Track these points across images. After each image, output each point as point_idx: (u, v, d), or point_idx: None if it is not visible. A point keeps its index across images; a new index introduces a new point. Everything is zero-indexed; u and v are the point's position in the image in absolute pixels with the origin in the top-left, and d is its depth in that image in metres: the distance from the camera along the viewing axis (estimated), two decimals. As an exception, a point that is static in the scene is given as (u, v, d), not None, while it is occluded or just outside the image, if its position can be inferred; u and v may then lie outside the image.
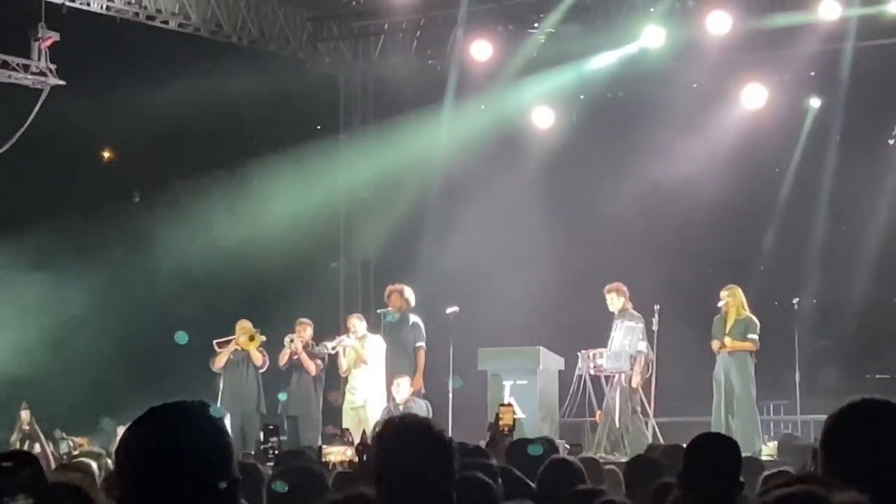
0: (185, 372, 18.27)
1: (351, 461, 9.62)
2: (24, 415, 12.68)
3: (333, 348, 18.52)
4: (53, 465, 11.77)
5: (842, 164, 21.25)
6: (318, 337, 18.77)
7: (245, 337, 18.33)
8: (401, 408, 17.46)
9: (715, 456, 6.46)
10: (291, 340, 18.41)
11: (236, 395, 18.34)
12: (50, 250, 19.98)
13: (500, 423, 11.44)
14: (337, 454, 13.30)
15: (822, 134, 21.47)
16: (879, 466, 3.68)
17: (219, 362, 18.48)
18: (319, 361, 18.50)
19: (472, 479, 6.05)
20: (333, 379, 19.27)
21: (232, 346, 18.44)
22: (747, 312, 17.57)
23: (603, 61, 21.33)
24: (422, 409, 17.60)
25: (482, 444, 15.76)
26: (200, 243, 21.09)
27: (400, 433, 4.41)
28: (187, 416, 3.30)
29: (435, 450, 4.35)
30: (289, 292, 21.18)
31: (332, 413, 18.94)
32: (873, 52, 20.45)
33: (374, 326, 18.93)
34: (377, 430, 4.60)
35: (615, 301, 18.05)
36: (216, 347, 18.51)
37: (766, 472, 8.05)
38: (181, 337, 16.01)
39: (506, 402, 17.09)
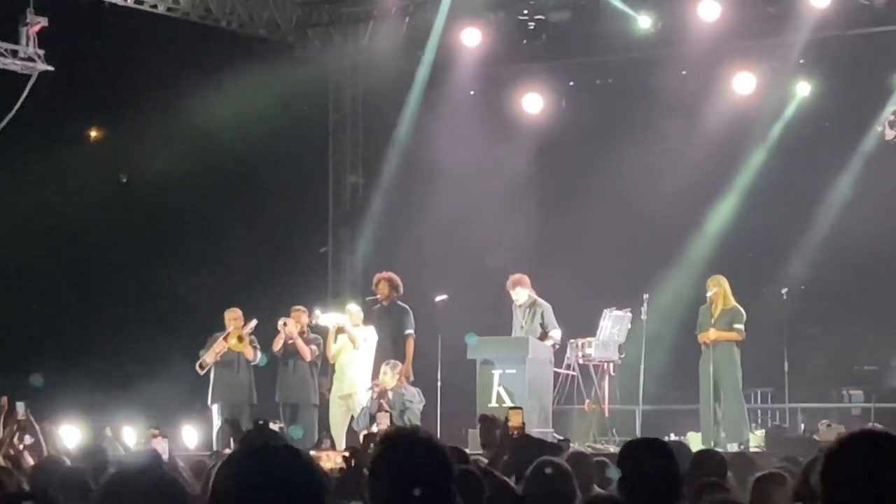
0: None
1: (341, 468, 9.55)
2: (20, 406, 12.69)
3: (322, 323, 18.31)
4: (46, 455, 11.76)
5: (830, 152, 21.25)
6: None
7: (234, 339, 18.18)
8: (390, 394, 17.43)
9: (649, 465, 6.39)
10: (284, 324, 18.24)
11: (227, 387, 18.19)
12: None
13: (509, 424, 11.42)
14: (326, 461, 13.24)
15: (811, 121, 21.46)
16: (880, 498, 3.68)
17: (206, 363, 18.28)
18: (315, 347, 18.34)
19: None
20: (324, 368, 19.20)
21: (220, 347, 18.22)
22: (733, 302, 17.59)
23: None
24: (413, 395, 17.58)
25: (472, 432, 15.85)
26: (187, 227, 21.08)
27: (400, 450, 4.33)
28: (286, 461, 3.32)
29: (436, 471, 4.28)
30: (278, 277, 21.16)
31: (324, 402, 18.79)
32: (863, 41, 20.45)
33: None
34: (378, 443, 4.49)
35: (521, 294, 18.07)
36: (205, 357, 18.28)
37: (757, 474, 8.05)
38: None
39: (495, 390, 17.21)
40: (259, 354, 18.33)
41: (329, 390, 18.48)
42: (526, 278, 18.16)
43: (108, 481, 3.92)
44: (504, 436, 11.16)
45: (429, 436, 4.40)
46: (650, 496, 6.26)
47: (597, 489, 8.92)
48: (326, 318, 18.44)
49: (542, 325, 17.95)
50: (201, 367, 18.20)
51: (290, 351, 18.31)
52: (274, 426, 15.98)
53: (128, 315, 20.09)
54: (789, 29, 20.49)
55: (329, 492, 3.39)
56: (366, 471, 4.44)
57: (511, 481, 8.01)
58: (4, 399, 13.25)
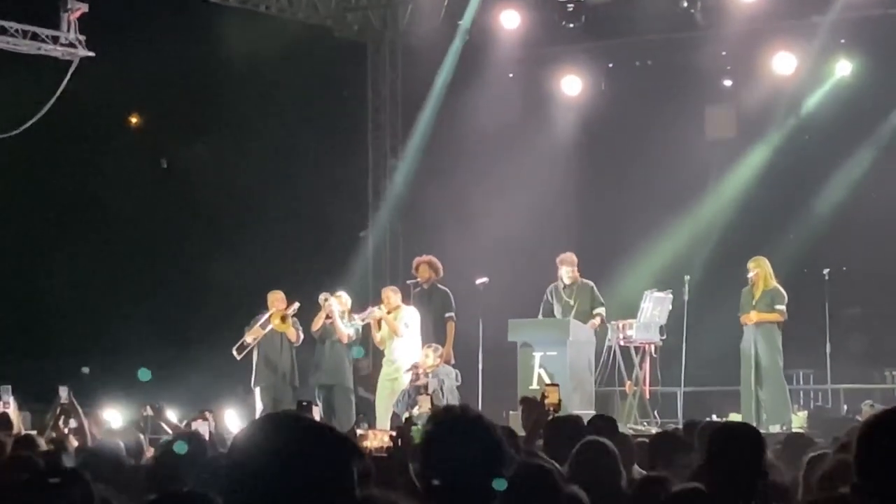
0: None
1: (387, 447, 9.59)
2: (62, 390, 12.79)
3: (363, 320, 18.41)
4: (90, 441, 11.85)
5: (871, 131, 21.15)
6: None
7: (277, 320, 18.18)
8: (429, 374, 17.47)
9: (737, 449, 6.40)
10: (326, 299, 18.18)
11: (270, 367, 18.21)
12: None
13: (546, 402, 11.37)
14: (372, 440, 13.29)
15: (852, 100, 21.32)
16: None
17: (247, 343, 18.24)
18: (352, 331, 18.37)
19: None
20: (364, 347, 19.19)
21: (261, 330, 18.22)
22: (774, 283, 17.46)
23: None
24: (449, 374, 17.60)
25: (513, 414, 15.85)
26: (227, 211, 21.16)
27: (451, 432, 4.29)
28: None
29: (485, 450, 4.24)
30: (317, 261, 21.20)
31: (360, 382, 18.81)
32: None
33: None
34: (426, 422, 4.45)
35: (568, 272, 18.06)
36: (247, 337, 18.28)
37: (811, 454, 8.03)
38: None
39: (535, 372, 17.20)
40: (302, 336, 18.30)
41: (370, 369, 18.52)
42: (575, 258, 18.19)
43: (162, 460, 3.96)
44: (540, 413, 11.11)
45: (478, 414, 4.36)
46: (734, 481, 6.27)
47: (638, 469, 8.93)
48: (365, 315, 18.46)
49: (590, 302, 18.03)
50: (240, 349, 18.18)
51: (329, 332, 18.30)
52: (317, 408, 16.07)
53: (170, 299, 20.19)
54: (829, 8, 20.37)
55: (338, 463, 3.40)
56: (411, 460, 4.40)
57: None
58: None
